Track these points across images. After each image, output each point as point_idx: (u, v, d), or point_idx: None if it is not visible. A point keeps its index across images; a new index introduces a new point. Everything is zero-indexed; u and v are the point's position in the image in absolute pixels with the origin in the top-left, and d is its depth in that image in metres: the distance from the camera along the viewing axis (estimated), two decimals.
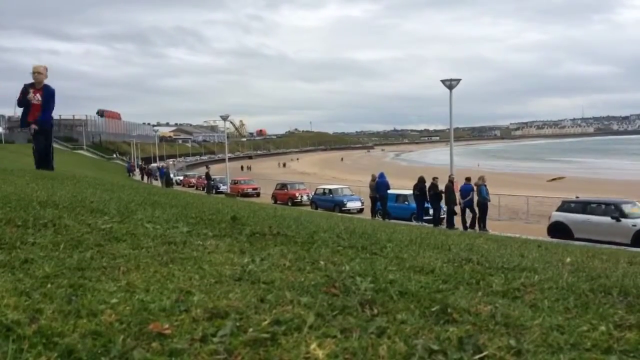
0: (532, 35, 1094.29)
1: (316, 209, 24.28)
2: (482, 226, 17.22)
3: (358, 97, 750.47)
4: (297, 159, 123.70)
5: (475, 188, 17.40)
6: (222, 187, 37.77)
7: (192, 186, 44.00)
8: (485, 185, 17.42)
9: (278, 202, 28.36)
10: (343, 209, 23.53)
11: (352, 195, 26.25)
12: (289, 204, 26.77)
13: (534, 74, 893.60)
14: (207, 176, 34.56)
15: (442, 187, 18.12)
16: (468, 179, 18.06)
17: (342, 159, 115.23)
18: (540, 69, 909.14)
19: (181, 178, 51.53)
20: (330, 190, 26.66)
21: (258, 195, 34.84)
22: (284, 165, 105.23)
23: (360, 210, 23.88)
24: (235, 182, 37.91)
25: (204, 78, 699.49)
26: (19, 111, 9.60)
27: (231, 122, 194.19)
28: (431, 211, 18.64)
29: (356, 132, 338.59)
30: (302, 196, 29.55)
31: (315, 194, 27.60)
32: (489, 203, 17.61)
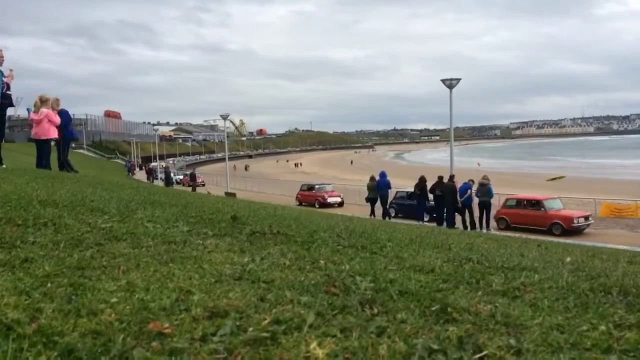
0: (503, 32, 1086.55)
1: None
2: (487, 225, 17.22)
3: (347, 97, 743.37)
4: (288, 161, 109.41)
5: (472, 188, 17.38)
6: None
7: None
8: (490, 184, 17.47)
9: (303, 204, 25.36)
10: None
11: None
12: (316, 206, 24.63)
13: (520, 74, 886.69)
14: (192, 176, 35.19)
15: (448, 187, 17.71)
16: (471, 180, 18.04)
17: (352, 162, 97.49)
18: (524, 68, 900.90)
19: (181, 177, 51.44)
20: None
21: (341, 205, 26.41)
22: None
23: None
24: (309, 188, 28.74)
25: (176, 75, 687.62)
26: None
27: (231, 122, 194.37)
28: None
29: (356, 131, 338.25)
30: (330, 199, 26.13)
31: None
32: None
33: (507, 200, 19.57)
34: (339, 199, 26.49)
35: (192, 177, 36.32)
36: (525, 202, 18.82)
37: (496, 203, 19.58)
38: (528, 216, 18.08)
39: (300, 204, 25.50)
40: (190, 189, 29.59)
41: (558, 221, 17.18)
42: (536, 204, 18.27)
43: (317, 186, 28.76)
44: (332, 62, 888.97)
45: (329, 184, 30.20)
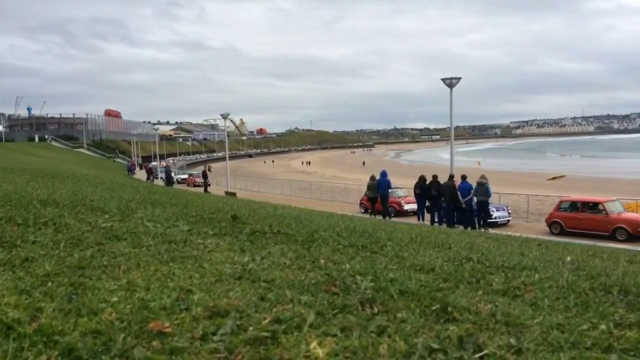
0: (488, 29, 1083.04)
1: None
2: (485, 225, 17.21)
3: (343, 95, 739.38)
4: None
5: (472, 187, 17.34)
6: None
7: (198, 185, 43.29)
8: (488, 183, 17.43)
9: (369, 211, 20.68)
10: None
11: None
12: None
13: (514, 72, 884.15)
14: (204, 174, 33.96)
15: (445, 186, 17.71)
16: (464, 177, 17.98)
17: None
18: (517, 65, 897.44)
19: (184, 177, 50.83)
20: None
21: None
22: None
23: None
24: None
25: (162, 74, 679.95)
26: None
27: (231, 121, 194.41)
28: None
29: (356, 130, 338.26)
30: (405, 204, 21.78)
31: None
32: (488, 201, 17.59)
33: (560, 202, 17.44)
34: (415, 206, 20.39)
35: (204, 175, 34.55)
36: (582, 204, 16.78)
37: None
38: (587, 220, 16.18)
39: (366, 212, 21.05)
40: (190, 188, 28.79)
41: (623, 225, 15.53)
42: (595, 206, 16.41)
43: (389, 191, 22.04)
44: (320, 60, 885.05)
45: (401, 188, 24.00)
